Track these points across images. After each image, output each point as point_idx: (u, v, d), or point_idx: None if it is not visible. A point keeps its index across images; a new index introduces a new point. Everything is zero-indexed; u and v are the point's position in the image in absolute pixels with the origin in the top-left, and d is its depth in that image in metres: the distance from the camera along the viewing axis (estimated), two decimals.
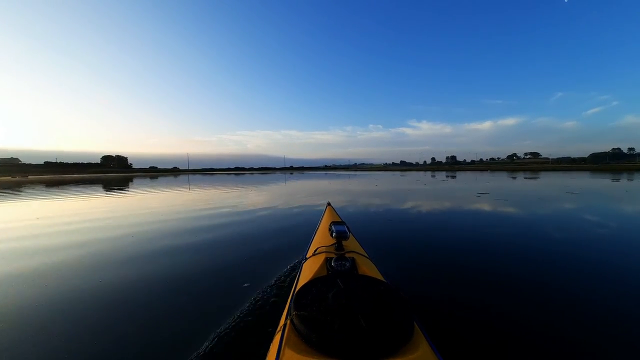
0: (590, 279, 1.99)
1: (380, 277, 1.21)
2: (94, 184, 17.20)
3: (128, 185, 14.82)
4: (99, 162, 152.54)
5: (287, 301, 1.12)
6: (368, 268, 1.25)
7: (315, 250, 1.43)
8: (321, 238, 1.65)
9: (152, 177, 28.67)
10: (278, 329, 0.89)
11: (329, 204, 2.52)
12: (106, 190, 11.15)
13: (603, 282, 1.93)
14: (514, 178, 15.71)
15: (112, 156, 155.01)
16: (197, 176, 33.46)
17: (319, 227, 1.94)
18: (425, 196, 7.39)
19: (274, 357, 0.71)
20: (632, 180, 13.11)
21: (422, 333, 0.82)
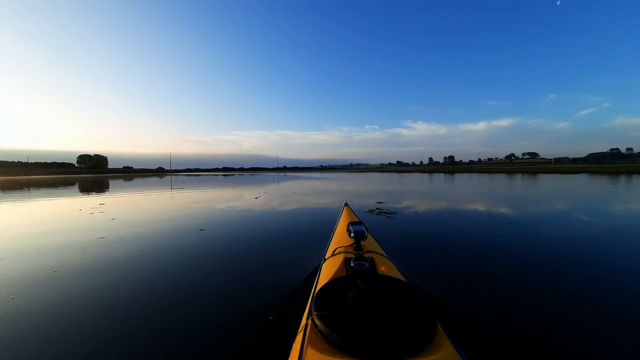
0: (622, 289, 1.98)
1: (400, 277, 1.28)
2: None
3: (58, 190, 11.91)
4: (74, 162, 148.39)
5: (307, 301, 1.19)
6: (388, 268, 1.32)
7: (334, 251, 1.51)
8: (339, 238, 1.73)
9: (126, 179, 27.84)
10: (300, 328, 0.95)
11: (346, 204, 2.60)
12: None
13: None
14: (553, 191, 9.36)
15: (90, 155, 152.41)
16: (180, 177, 32.85)
17: (337, 228, 2.03)
18: (446, 196, 7.56)
19: (297, 356, 0.77)
20: None
21: (446, 333, 0.86)
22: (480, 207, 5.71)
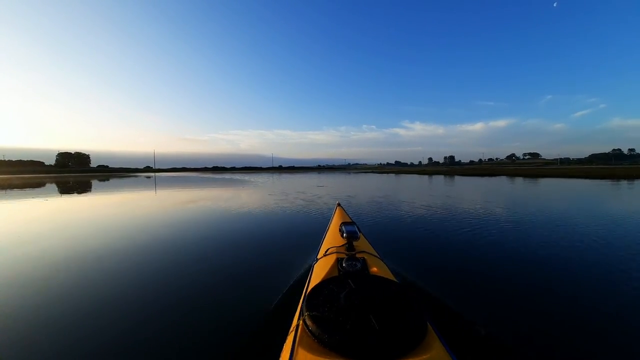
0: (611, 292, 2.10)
1: (391, 277, 1.36)
2: None
3: None
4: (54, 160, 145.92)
5: (299, 302, 1.25)
6: (379, 268, 1.39)
7: (326, 251, 1.58)
8: (332, 239, 1.81)
9: (101, 179, 27.14)
10: (291, 329, 1.01)
11: (338, 204, 2.70)
12: None
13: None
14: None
15: (70, 153, 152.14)
16: (162, 176, 32.39)
17: (330, 228, 2.11)
18: (438, 198, 7.80)
19: (288, 356, 0.81)
20: None
21: (436, 333, 0.91)
22: (473, 210, 5.88)
